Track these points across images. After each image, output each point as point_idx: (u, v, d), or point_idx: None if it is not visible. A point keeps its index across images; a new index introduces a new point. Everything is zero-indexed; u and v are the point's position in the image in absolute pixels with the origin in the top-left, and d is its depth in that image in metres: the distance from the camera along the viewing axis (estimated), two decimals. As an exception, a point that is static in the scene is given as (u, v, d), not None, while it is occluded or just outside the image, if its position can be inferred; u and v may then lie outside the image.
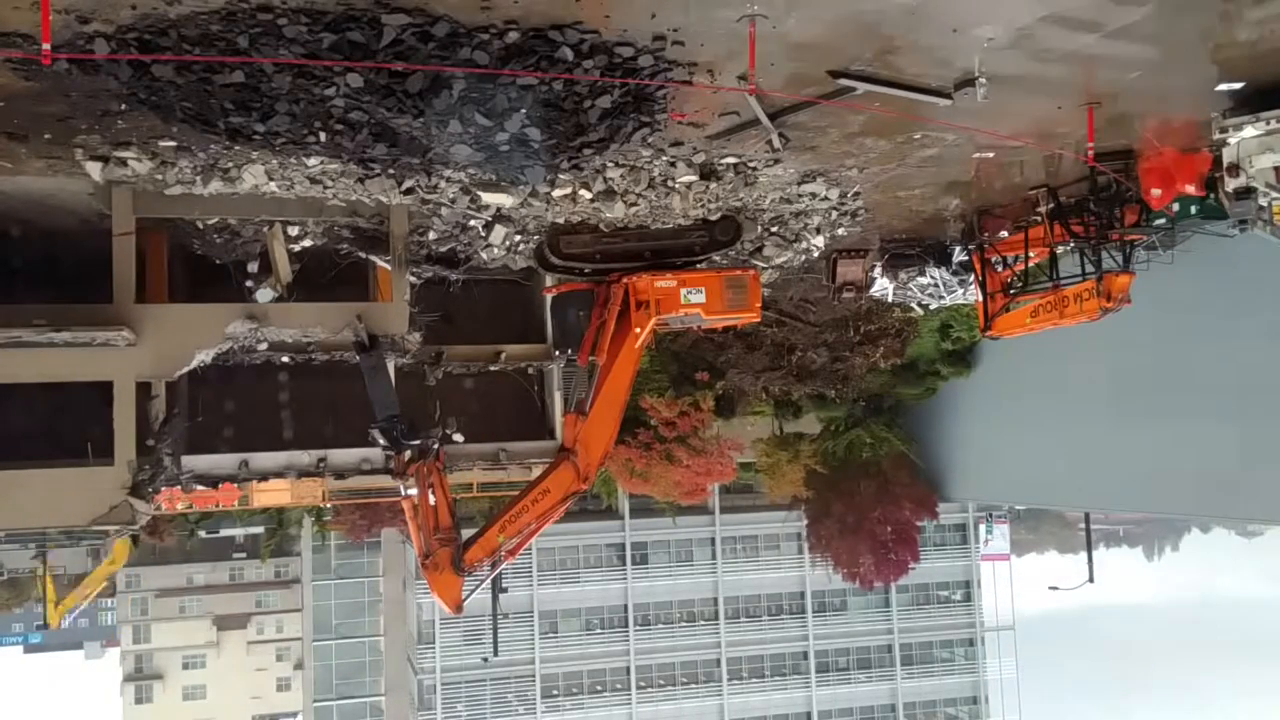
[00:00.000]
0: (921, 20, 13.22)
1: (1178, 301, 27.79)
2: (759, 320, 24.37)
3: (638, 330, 21.64)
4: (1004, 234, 24.14)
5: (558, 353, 25.52)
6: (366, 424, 25.78)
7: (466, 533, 21.53)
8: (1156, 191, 19.30)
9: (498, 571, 22.31)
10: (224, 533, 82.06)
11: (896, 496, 43.22)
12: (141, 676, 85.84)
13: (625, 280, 21.82)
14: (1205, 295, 28.46)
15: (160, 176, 18.00)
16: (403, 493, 21.04)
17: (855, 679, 57.63)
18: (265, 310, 20.35)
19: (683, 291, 21.80)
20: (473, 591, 21.38)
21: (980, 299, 25.49)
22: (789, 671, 56.73)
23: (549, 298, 26.93)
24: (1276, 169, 16.37)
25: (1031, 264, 23.85)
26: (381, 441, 21.01)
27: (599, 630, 54.44)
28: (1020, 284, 24.46)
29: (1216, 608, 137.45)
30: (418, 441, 20.69)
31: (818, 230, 23.02)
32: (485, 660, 51.26)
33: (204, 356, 20.43)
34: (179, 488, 24.35)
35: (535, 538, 22.18)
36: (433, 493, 20.74)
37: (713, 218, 21.67)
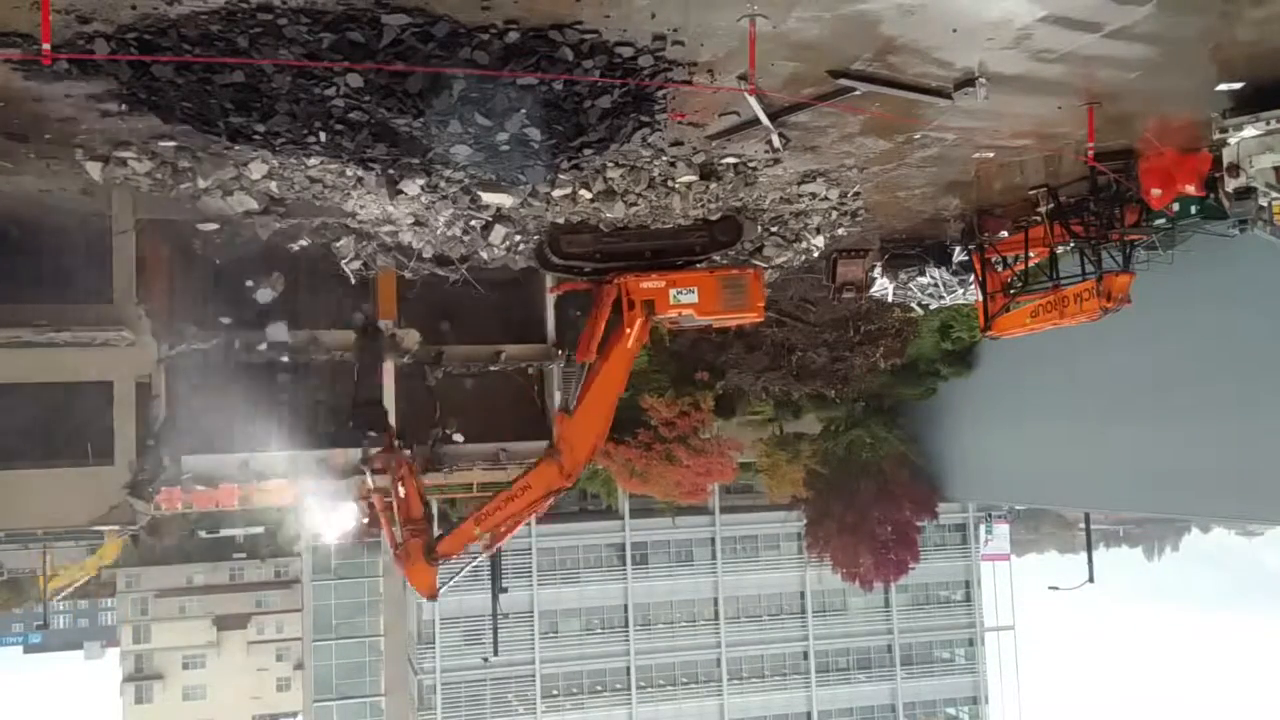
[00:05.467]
0: (921, 20, 13.22)
1: (1178, 301, 27.77)
2: (761, 320, 24.13)
3: (628, 330, 21.49)
4: (1004, 234, 24.14)
5: (560, 351, 25.63)
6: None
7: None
8: (1156, 191, 19.28)
9: (479, 560, 22.84)
10: (224, 533, 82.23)
11: (896, 496, 43.20)
12: (141, 676, 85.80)
13: (617, 280, 21.78)
14: (1205, 295, 28.43)
15: (160, 177, 18.00)
16: (368, 482, 21.41)
17: (855, 679, 57.59)
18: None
19: (672, 292, 21.56)
20: (448, 581, 21.88)
21: (980, 299, 25.48)
22: (789, 672, 56.68)
23: (551, 297, 26.98)
24: (1276, 169, 16.34)
25: (1031, 264, 23.84)
26: (359, 429, 21.81)
27: (599, 630, 54.38)
28: (1020, 284, 24.45)
29: (1216, 606, 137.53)
30: (386, 433, 21.40)
31: (818, 230, 23.01)
32: (485, 660, 51.23)
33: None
34: (179, 488, 24.36)
35: (514, 533, 22.31)
36: (402, 485, 21.17)
37: (713, 218, 21.64)
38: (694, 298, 21.47)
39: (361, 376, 21.82)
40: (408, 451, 21.85)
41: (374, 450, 21.49)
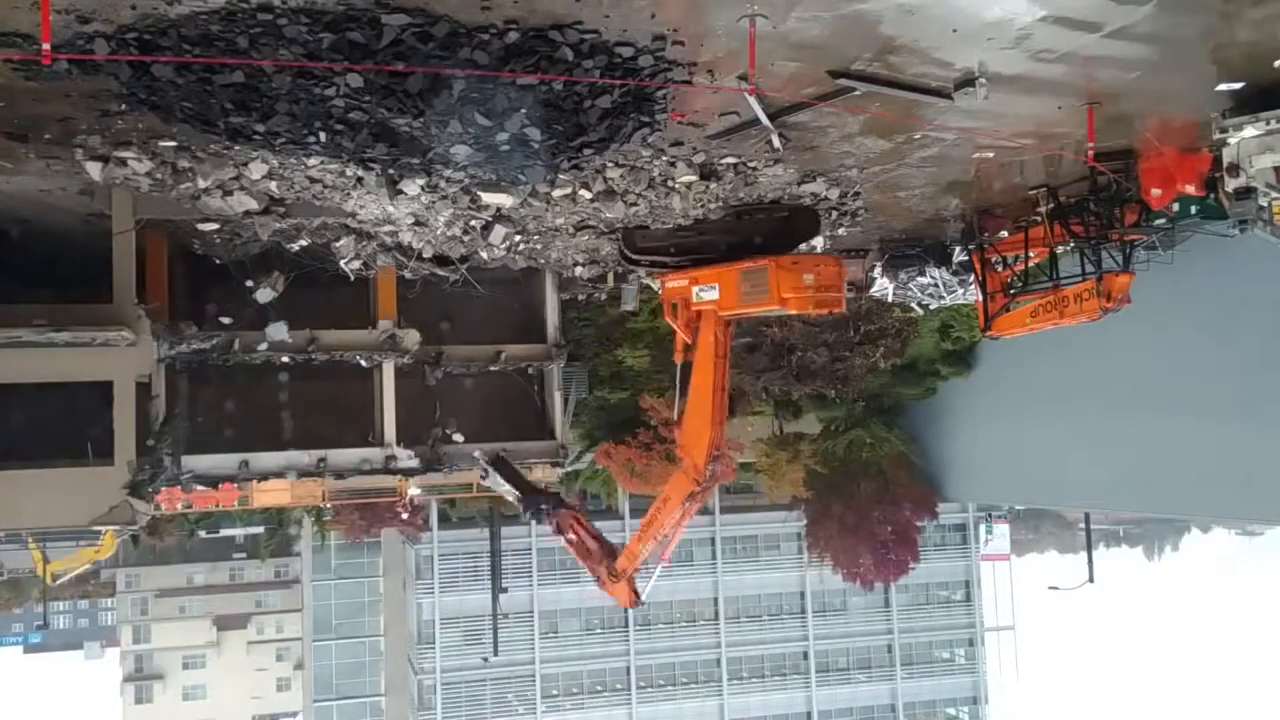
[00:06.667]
0: (921, 20, 13.20)
1: (1178, 301, 27.77)
2: (826, 311, 21.25)
3: (690, 331, 21.62)
4: (1004, 234, 24.13)
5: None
6: (366, 424, 25.89)
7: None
8: (1156, 191, 19.26)
9: (661, 567, 26.23)
10: (224, 533, 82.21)
11: (896, 496, 43.19)
12: (141, 677, 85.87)
13: (661, 280, 21.73)
14: (1205, 295, 28.44)
15: (160, 177, 17.98)
16: (563, 542, 25.58)
17: (855, 679, 57.60)
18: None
19: (694, 289, 21.28)
20: (646, 588, 25.28)
21: (980, 299, 25.48)
22: (789, 672, 56.69)
23: (552, 297, 27.00)
24: (1276, 169, 16.32)
25: (1031, 264, 23.83)
26: (532, 518, 27.20)
27: (599, 631, 54.39)
28: (1020, 284, 24.44)
29: (1216, 607, 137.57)
30: (553, 506, 25.34)
31: (817, 230, 23.00)
32: (485, 660, 51.28)
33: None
34: (179, 488, 24.38)
35: (678, 539, 23.93)
36: (574, 532, 24.92)
37: (779, 214, 21.22)
38: (715, 294, 20.97)
39: (512, 479, 26.07)
40: (567, 508, 25.52)
41: (546, 520, 25.42)
